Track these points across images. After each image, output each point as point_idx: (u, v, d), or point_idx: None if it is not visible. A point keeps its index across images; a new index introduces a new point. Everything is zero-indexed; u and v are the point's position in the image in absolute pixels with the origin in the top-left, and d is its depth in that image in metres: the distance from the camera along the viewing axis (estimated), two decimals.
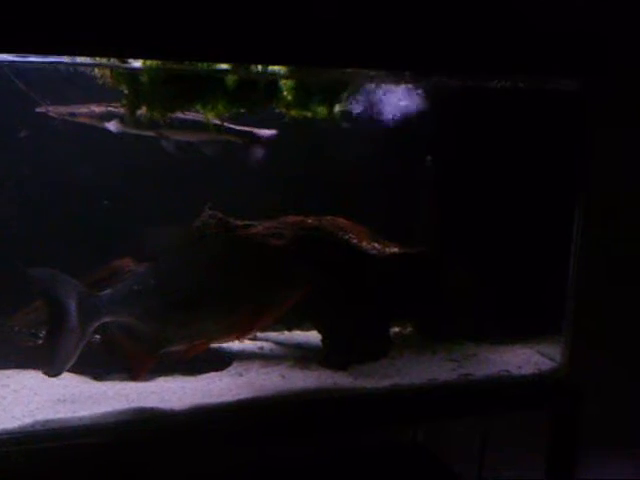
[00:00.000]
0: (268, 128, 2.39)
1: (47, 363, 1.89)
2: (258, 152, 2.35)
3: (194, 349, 2.03)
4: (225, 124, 2.33)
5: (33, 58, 1.82)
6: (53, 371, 1.88)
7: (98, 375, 2.12)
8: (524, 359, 2.39)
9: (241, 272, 2.04)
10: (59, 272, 1.92)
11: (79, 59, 1.95)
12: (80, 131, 2.26)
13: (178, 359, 2.09)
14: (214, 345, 2.28)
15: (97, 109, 2.26)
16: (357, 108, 2.36)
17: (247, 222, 2.34)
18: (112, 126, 2.21)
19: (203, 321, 1.98)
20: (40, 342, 2.18)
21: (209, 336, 2.01)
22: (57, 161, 2.28)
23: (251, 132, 2.37)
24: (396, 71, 2.17)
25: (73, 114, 2.25)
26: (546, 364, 2.37)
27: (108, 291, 1.94)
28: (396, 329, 2.54)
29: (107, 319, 1.92)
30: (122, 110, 2.23)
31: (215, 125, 2.30)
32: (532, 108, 2.35)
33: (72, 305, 1.86)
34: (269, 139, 2.37)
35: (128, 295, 1.94)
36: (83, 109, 2.26)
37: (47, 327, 1.94)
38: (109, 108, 2.25)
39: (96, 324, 1.90)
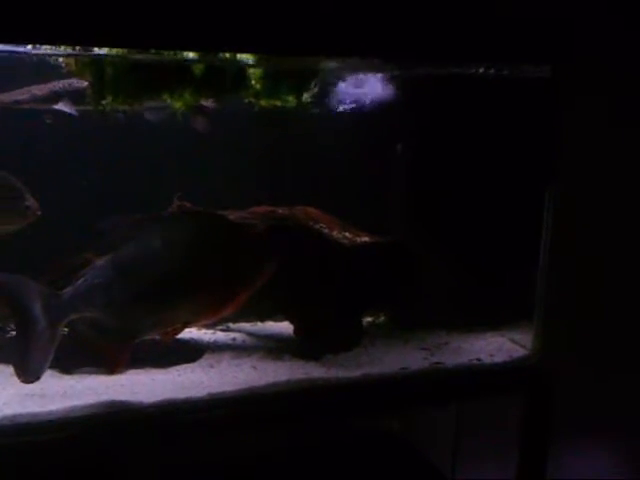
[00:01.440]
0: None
1: (21, 370, 1.85)
2: (202, 122, 2.31)
3: (169, 335, 2.02)
4: None
5: None
6: (29, 377, 1.85)
7: (66, 369, 2.09)
8: (496, 347, 2.39)
9: (203, 254, 2.03)
10: (19, 275, 1.89)
11: (43, 48, 1.93)
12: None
13: (155, 347, 2.08)
14: (185, 336, 2.26)
15: (39, 92, 2.20)
16: (326, 96, 2.35)
17: (218, 212, 2.32)
18: (64, 106, 2.16)
19: (171, 307, 1.97)
20: (7, 336, 2.15)
21: (180, 321, 1.99)
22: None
23: None
24: (364, 58, 2.16)
25: (17, 102, 2.17)
26: (518, 351, 2.38)
27: (70, 288, 1.91)
28: (369, 318, 2.54)
29: (73, 316, 1.90)
30: (66, 88, 2.18)
31: None
32: (502, 96, 2.36)
33: (37, 308, 1.84)
34: (213, 109, 2.33)
35: (90, 290, 1.92)
36: (25, 95, 2.19)
37: (15, 333, 1.91)
38: (52, 89, 2.20)
39: (63, 323, 1.88)
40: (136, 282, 1.95)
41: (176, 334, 2.05)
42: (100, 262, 1.98)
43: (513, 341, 2.44)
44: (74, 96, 2.18)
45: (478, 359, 2.29)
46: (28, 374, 1.85)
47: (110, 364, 2.00)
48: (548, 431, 2.36)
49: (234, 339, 2.41)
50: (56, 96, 2.19)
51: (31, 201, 2.17)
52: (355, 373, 2.15)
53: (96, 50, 2.00)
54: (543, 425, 2.36)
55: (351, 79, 2.37)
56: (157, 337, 2.06)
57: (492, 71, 2.27)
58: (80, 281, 1.94)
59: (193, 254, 2.02)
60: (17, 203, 2.14)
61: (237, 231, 2.15)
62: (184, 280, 2.00)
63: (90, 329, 1.95)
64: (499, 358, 2.32)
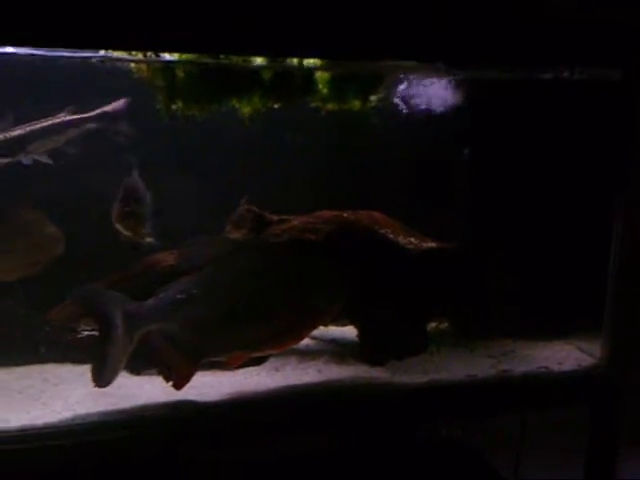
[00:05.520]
0: None
1: (97, 374, 1.88)
2: (123, 126, 2.32)
3: (236, 360, 2.02)
4: (69, 117, 2.31)
5: (61, 53, 1.82)
6: (102, 382, 1.88)
7: (136, 369, 2.12)
8: (564, 355, 2.35)
9: (283, 282, 2.03)
10: (101, 288, 1.97)
11: (115, 54, 1.96)
12: None
13: (222, 367, 2.11)
14: None
15: None
16: (393, 100, 2.35)
17: (283, 217, 2.33)
18: None
19: (245, 332, 1.97)
20: (78, 337, 2.20)
21: (251, 347, 2.00)
22: None
23: (104, 112, 2.34)
24: (432, 63, 2.14)
25: None
26: (586, 360, 2.33)
27: (151, 300, 1.93)
28: (432, 325, 2.52)
29: (151, 327, 1.92)
30: None
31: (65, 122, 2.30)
32: (572, 100, 2.32)
33: (118, 317, 1.87)
34: (124, 109, 2.34)
35: (171, 304, 1.94)
36: None
37: (96, 339, 1.94)
38: None
39: (141, 332, 1.90)
40: (216, 303, 1.97)
41: (243, 360, 2.05)
42: (185, 279, 1.99)
43: (581, 350, 2.39)
44: None
45: (546, 367, 2.26)
46: (101, 379, 1.88)
47: (176, 378, 2.00)
48: (616, 439, 2.31)
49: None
50: None
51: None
52: (421, 379, 2.13)
53: (167, 56, 2.03)
54: (611, 435, 2.31)
55: (418, 83, 2.35)
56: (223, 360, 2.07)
57: (563, 75, 2.24)
58: (162, 294, 1.95)
59: (274, 284, 2.02)
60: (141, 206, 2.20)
61: (317, 267, 2.14)
62: (261, 308, 2.00)
63: (163, 341, 1.97)
64: (567, 367, 2.28)
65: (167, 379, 1.95)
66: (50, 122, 2.28)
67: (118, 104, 2.34)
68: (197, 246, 2.02)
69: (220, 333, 1.97)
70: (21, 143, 2.23)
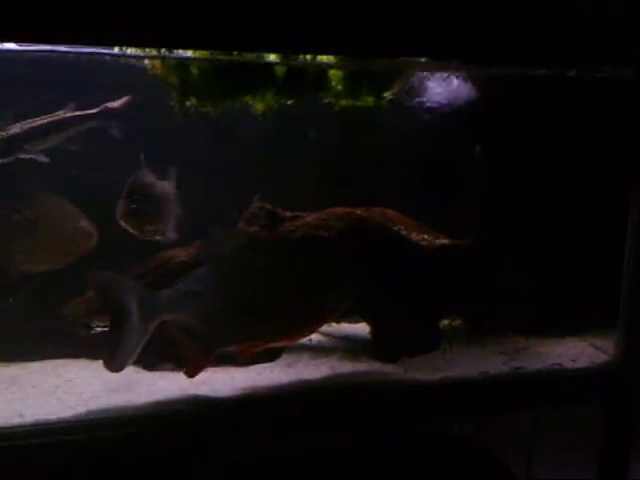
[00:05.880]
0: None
1: (109, 360, 1.89)
2: (125, 122, 2.33)
3: (247, 351, 2.03)
4: (70, 114, 2.32)
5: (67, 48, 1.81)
6: (115, 367, 1.89)
7: (150, 364, 2.13)
8: (577, 352, 2.35)
9: (296, 276, 2.05)
10: (118, 274, 1.96)
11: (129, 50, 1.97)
12: None
13: (235, 361, 2.12)
14: None
15: None
16: (405, 97, 2.34)
17: (296, 213, 2.33)
18: None
19: (259, 324, 1.98)
20: (92, 332, 2.21)
21: (265, 339, 2.01)
22: None
23: (106, 107, 2.35)
24: (445, 60, 2.14)
25: None
26: (600, 357, 2.32)
27: (167, 290, 1.94)
28: (445, 322, 2.52)
29: (166, 317, 1.93)
30: None
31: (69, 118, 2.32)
32: (585, 97, 2.31)
33: (133, 305, 1.88)
34: (125, 107, 2.35)
35: (187, 295, 1.95)
36: None
37: (109, 326, 1.95)
38: None
39: (157, 322, 1.91)
40: (231, 296, 1.98)
41: (257, 351, 2.06)
42: (200, 270, 2.00)
43: (595, 347, 2.39)
44: None
45: (559, 364, 2.25)
46: (114, 365, 1.89)
47: (190, 367, 2.02)
48: (629, 438, 2.30)
49: (310, 340, 2.41)
50: None
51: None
52: (433, 376, 2.14)
53: (180, 52, 2.03)
54: (624, 432, 2.30)
55: (432, 80, 2.35)
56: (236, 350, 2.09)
57: (576, 72, 2.23)
58: (178, 285, 1.96)
59: (285, 279, 2.04)
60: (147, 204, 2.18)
61: (328, 264, 2.16)
62: (272, 301, 2.01)
63: (178, 331, 1.98)
64: (581, 364, 2.28)
65: (180, 367, 1.98)
66: (48, 120, 2.29)
67: (122, 101, 2.36)
68: (214, 240, 2.03)
69: (233, 324, 1.98)
70: (19, 141, 2.24)
